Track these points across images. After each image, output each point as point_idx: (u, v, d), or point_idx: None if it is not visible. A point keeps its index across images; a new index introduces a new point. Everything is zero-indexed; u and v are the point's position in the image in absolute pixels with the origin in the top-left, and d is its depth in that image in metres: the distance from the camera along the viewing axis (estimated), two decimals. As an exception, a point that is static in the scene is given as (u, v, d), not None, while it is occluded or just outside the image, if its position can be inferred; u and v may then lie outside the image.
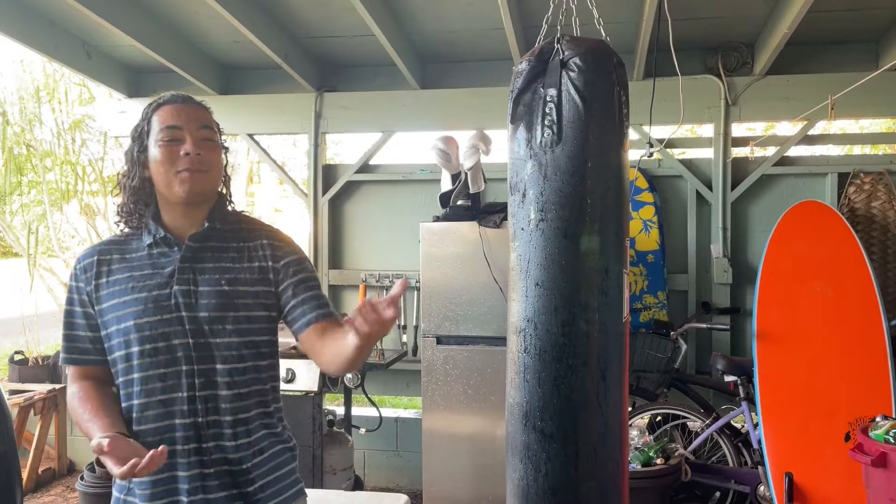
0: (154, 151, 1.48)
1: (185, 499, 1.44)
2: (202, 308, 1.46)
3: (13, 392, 4.42)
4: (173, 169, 1.47)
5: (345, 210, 4.64)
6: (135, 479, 1.46)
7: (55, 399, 4.56)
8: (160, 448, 1.29)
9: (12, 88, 5.43)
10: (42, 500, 4.30)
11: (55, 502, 4.26)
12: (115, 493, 1.55)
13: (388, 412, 4.46)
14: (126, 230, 1.58)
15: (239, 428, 1.48)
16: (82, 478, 3.75)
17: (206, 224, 1.53)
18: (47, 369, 4.80)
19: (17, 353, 5.00)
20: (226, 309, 1.47)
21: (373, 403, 3.97)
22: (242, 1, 3.56)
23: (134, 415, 1.47)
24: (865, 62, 3.99)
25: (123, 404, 1.48)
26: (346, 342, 1.38)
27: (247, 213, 1.67)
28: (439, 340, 3.63)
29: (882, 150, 4.82)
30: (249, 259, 1.53)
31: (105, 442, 1.30)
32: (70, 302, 1.55)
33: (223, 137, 1.60)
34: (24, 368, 4.80)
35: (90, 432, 1.41)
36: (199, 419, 1.45)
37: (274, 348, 1.58)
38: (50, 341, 5.90)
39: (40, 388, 4.51)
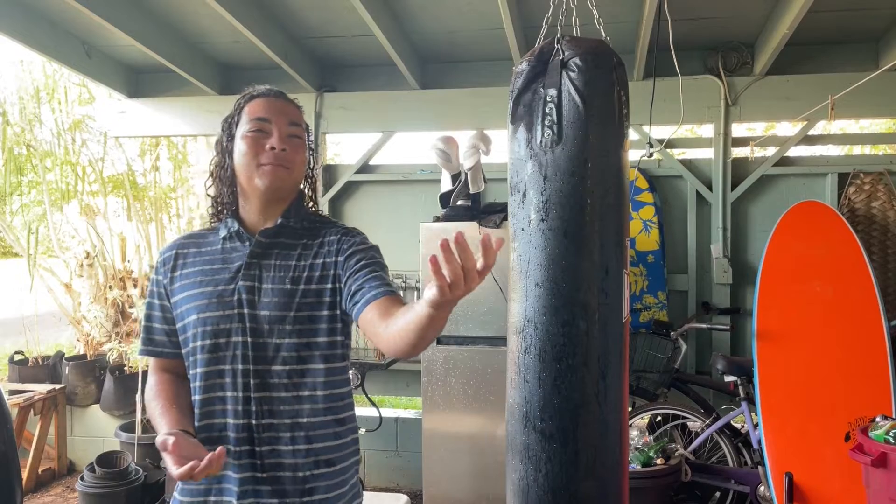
0: (240, 142, 1.47)
1: (234, 501, 1.40)
2: (264, 306, 1.42)
3: (13, 392, 4.43)
4: (256, 161, 1.45)
5: (345, 210, 4.64)
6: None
7: (55, 399, 4.56)
8: (218, 451, 1.25)
9: (12, 88, 5.43)
10: (42, 500, 4.30)
11: (55, 502, 4.26)
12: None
13: (388, 412, 4.46)
14: (215, 223, 1.57)
15: (297, 433, 1.41)
16: (82, 478, 3.75)
17: (280, 220, 1.50)
18: (47, 369, 4.81)
19: (16, 353, 5.00)
20: (287, 308, 1.42)
21: (373, 403, 3.97)
22: (242, 1, 3.56)
23: (196, 410, 1.45)
24: (865, 62, 3.99)
25: (192, 398, 1.47)
26: (416, 310, 1.20)
27: (323, 214, 1.63)
28: (439, 340, 3.63)
29: (882, 150, 4.83)
30: (315, 256, 1.48)
31: (170, 440, 1.27)
32: (150, 294, 1.55)
33: (310, 137, 1.59)
34: (24, 368, 4.80)
35: (158, 427, 1.39)
36: (253, 421, 1.40)
37: (343, 351, 1.50)
38: (50, 341, 5.90)
39: (40, 389, 4.51)
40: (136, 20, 3.73)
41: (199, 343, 1.44)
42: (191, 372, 1.47)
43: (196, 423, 1.44)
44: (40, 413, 4.44)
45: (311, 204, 1.60)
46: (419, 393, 3.76)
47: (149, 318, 1.54)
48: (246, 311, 1.43)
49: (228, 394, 1.42)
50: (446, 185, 3.84)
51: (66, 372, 4.69)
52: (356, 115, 4.53)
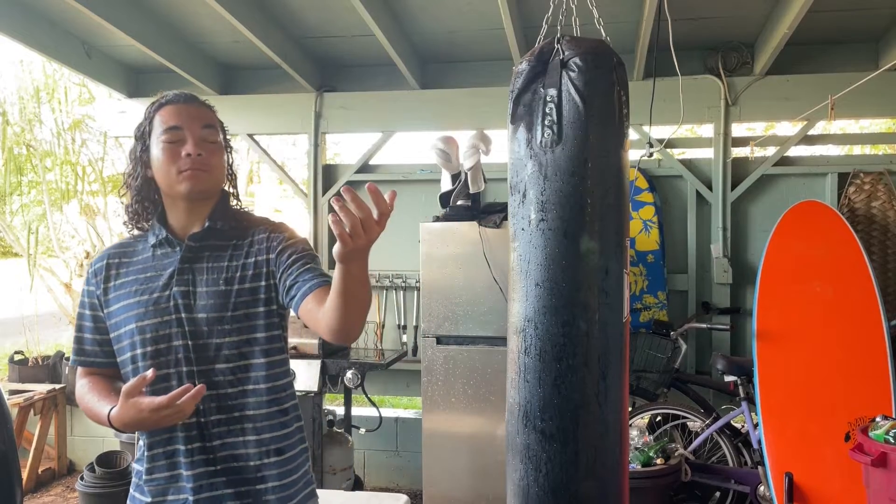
0: (156, 151, 1.49)
1: (190, 497, 1.45)
2: (200, 309, 1.46)
3: (13, 392, 4.43)
4: (175, 168, 1.47)
5: (345, 210, 4.63)
6: (144, 479, 1.48)
7: (55, 399, 4.56)
8: (198, 387, 1.30)
9: (12, 88, 5.44)
10: (42, 500, 4.30)
11: (55, 502, 4.26)
12: (131, 491, 1.55)
13: (387, 412, 4.46)
14: (135, 232, 1.59)
15: (246, 425, 1.46)
16: (82, 478, 3.75)
17: (207, 223, 1.52)
18: (47, 369, 4.81)
19: (16, 353, 5.00)
20: (224, 309, 1.46)
21: (373, 403, 3.97)
22: (242, 1, 3.56)
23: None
24: (865, 62, 3.99)
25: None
26: (334, 279, 1.25)
27: (248, 211, 1.65)
28: (439, 340, 3.63)
29: (882, 150, 4.83)
30: (247, 255, 1.51)
31: (149, 372, 1.32)
32: (81, 305, 1.57)
33: (227, 135, 1.60)
34: (24, 368, 4.80)
35: (101, 408, 1.41)
36: (202, 419, 1.45)
37: (282, 344, 1.55)
38: (49, 341, 5.90)
39: (40, 388, 4.51)
40: (136, 20, 3.73)
41: (139, 351, 1.46)
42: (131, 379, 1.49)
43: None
44: (40, 413, 4.44)
45: (235, 203, 1.62)
46: (419, 393, 3.76)
47: (80, 328, 1.56)
48: (183, 315, 1.46)
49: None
50: (446, 184, 3.84)
51: (66, 372, 4.70)
52: (356, 115, 4.53)
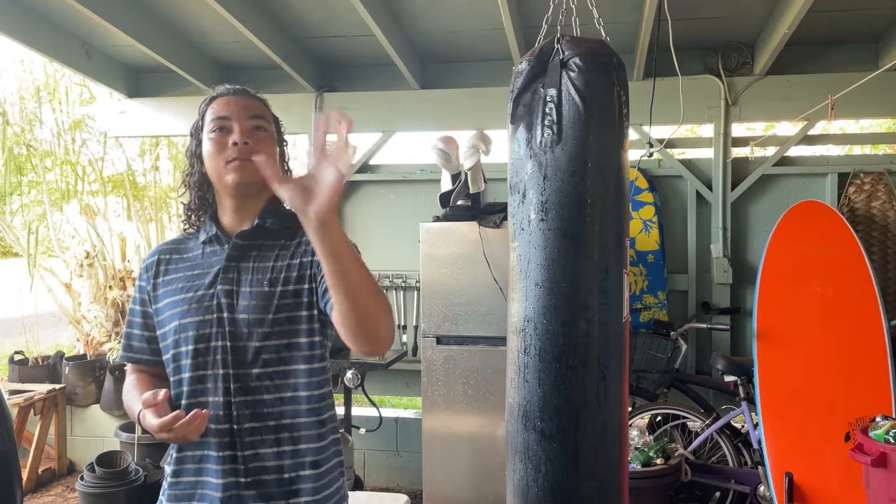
0: (206, 144, 1.47)
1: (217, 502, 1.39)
2: (242, 310, 1.41)
3: (13, 392, 4.43)
4: (223, 159, 1.44)
5: (345, 210, 4.64)
6: (169, 482, 1.46)
7: (55, 399, 4.56)
8: (204, 412, 1.29)
9: (13, 88, 5.43)
10: (42, 500, 4.30)
11: (55, 502, 4.26)
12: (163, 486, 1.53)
13: (387, 412, 4.46)
14: (190, 229, 1.57)
15: (282, 434, 1.40)
16: (82, 478, 3.75)
17: (257, 221, 1.48)
18: (47, 369, 4.81)
19: (16, 353, 5.01)
20: (266, 311, 1.40)
21: (373, 403, 3.97)
22: (243, 1, 3.56)
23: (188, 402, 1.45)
24: (865, 62, 3.99)
25: (177, 403, 1.46)
26: None
27: None
28: (439, 340, 3.63)
29: (882, 150, 4.82)
30: (293, 256, 1.45)
31: (161, 392, 1.30)
32: (133, 301, 1.55)
33: (282, 130, 1.57)
34: (24, 368, 4.80)
35: (135, 408, 1.39)
36: (235, 426, 1.39)
37: (323, 351, 1.47)
38: (49, 341, 5.90)
39: (40, 389, 4.51)
40: (136, 20, 3.73)
41: (181, 349, 1.43)
42: (173, 378, 1.46)
43: None
44: (40, 413, 4.44)
45: None
46: (419, 393, 3.76)
47: (130, 324, 1.55)
48: (225, 314, 1.41)
49: (210, 399, 1.41)
50: (446, 184, 3.84)
51: (66, 372, 4.70)
52: (356, 115, 4.50)
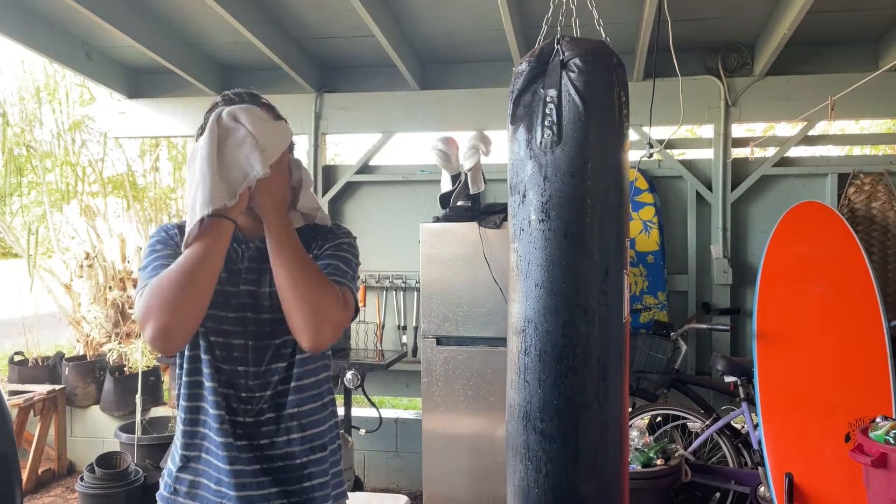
0: None
1: (232, 493, 1.42)
2: (266, 310, 1.46)
3: (13, 393, 4.42)
4: None
5: (345, 211, 4.64)
6: (183, 465, 1.47)
7: (55, 400, 4.56)
8: None
9: (13, 89, 5.43)
10: (42, 500, 4.29)
11: (55, 503, 4.26)
12: (161, 490, 1.53)
13: (387, 413, 4.46)
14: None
15: (292, 423, 1.47)
16: (82, 479, 3.75)
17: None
18: (47, 370, 4.81)
19: (16, 353, 5.00)
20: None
21: (373, 404, 3.97)
22: (242, 2, 3.56)
23: (184, 415, 1.47)
24: (865, 63, 3.99)
25: (187, 378, 1.45)
26: None
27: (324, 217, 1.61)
28: (439, 341, 3.63)
29: (882, 150, 4.82)
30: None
31: None
32: (158, 254, 1.44)
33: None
34: (24, 369, 4.80)
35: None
36: (249, 419, 1.44)
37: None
38: (49, 342, 5.90)
39: (40, 389, 4.51)
40: (136, 21, 3.73)
41: (200, 341, 1.44)
42: (189, 353, 1.46)
43: (185, 427, 1.47)
44: (40, 414, 4.44)
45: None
46: (419, 393, 3.76)
47: (159, 267, 1.39)
48: (249, 314, 1.46)
49: (231, 392, 1.44)
50: (446, 185, 3.84)
51: (66, 372, 4.69)
52: (356, 116, 4.53)
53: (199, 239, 1.32)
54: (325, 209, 4.55)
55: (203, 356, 1.44)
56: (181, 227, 1.48)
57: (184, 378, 1.47)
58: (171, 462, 1.52)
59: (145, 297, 1.31)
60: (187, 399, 1.46)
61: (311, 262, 1.41)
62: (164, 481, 1.53)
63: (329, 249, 1.51)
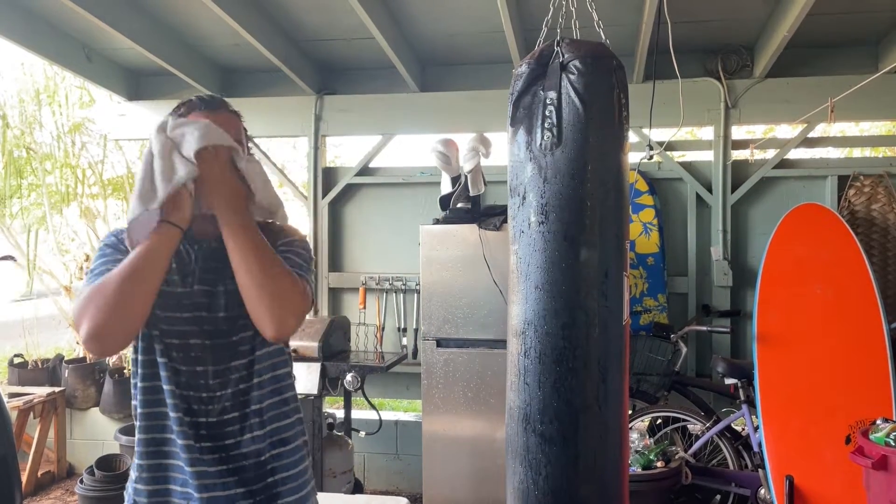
0: None
1: (196, 494, 1.42)
2: (221, 308, 1.46)
3: (12, 395, 4.42)
4: None
5: (345, 213, 4.64)
6: (143, 476, 1.46)
7: (54, 402, 4.55)
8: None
9: (13, 91, 5.44)
10: (41, 503, 4.29)
11: (54, 505, 4.26)
12: (127, 489, 1.52)
13: (387, 415, 4.45)
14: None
15: (253, 420, 1.47)
16: (82, 481, 3.75)
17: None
18: (47, 372, 4.80)
19: (16, 356, 5.00)
20: (242, 307, 1.44)
21: (372, 406, 3.97)
22: (242, 4, 3.56)
23: (141, 422, 1.46)
24: (865, 65, 4.00)
25: (143, 384, 1.45)
26: None
27: (270, 222, 1.60)
28: (439, 343, 3.63)
29: (882, 152, 4.83)
30: None
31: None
32: (112, 261, 1.41)
33: (248, 143, 1.59)
34: (24, 371, 4.80)
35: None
36: (211, 419, 1.44)
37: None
38: (49, 344, 5.89)
39: (40, 391, 4.51)
40: (136, 23, 3.73)
41: (156, 345, 1.44)
42: (143, 357, 1.46)
43: (143, 434, 1.46)
44: (40, 416, 4.43)
45: None
46: (419, 396, 3.75)
47: (104, 272, 1.39)
48: (203, 313, 1.46)
49: (191, 393, 1.44)
50: (446, 187, 3.84)
51: (66, 375, 4.69)
52: (356, 118, 4.53)
53: (141, 245, 1.36)
54: (325, 212, 4.58)
55: (159, 360, 1.44)
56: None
57: (139, 384, 1.46)
58: (132, 471, 1.50)
59: (83, 299, 1.34)
60: (144, 405, 1.45)
61: (272, 251, 1.42)
62: (127, 494, 1.51)
63: (282, 247, 1.52)
